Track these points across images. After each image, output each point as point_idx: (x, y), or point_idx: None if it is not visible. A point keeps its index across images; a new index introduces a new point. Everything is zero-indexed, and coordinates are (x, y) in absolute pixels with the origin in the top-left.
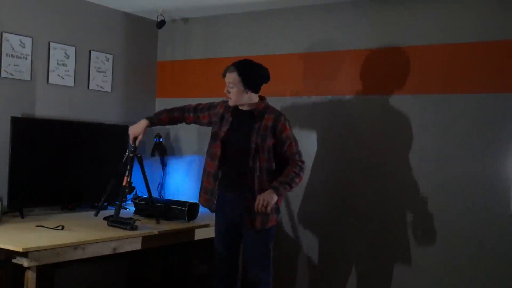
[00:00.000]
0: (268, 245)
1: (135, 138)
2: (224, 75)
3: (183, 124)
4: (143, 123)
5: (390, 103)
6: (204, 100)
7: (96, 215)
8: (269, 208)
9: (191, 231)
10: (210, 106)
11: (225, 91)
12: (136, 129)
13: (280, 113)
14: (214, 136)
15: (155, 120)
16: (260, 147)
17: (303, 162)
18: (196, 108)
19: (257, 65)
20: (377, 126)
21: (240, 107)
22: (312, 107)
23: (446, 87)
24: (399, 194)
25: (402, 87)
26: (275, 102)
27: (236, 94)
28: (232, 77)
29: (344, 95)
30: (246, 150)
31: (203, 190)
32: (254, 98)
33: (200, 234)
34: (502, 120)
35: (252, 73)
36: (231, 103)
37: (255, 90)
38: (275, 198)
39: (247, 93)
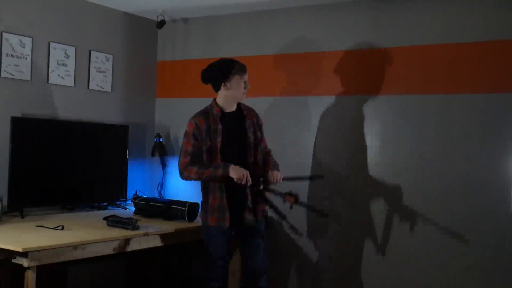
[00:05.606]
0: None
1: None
2: (245, 72)
3: (183, 123)
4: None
5: (390, 103)
6: (203, 100)
7: None
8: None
9: (191, 231)
10: (194, 136)
11: (246, 88)
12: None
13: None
14: (209, 151)
15: None
16: (254, 142)
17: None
18: (197, 153)
19: None
20: (377, 126)
21: (227, 110)
22: (311, 107)
23: (447, 87)
24: (399, 194)
25: (402, 87)
26: (276, 102)
27: None
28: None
29: (344, 95)
30: (244, 148)
31: (211, 210)
32: None
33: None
34: (502, 120)
35: None
36: (244, 97)
37: None
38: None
39: None
